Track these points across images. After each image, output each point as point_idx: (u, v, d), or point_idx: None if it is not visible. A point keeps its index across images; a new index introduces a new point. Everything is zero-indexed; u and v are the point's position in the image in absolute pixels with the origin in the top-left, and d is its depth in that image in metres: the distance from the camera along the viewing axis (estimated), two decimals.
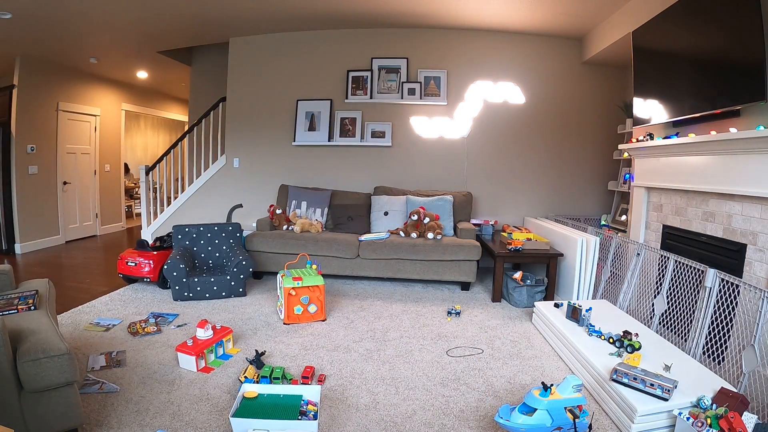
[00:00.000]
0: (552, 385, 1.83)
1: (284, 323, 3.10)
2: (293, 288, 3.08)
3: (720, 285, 2.38)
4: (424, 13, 4.35)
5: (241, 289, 3.68)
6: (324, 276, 3.43)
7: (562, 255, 3.72)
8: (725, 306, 2.33)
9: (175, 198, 5.39)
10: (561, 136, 4.85)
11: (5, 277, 2.30)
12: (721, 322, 2.32)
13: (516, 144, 4.88)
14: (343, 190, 4.80)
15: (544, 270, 3.87)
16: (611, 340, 2.48)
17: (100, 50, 5.21)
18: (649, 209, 3.51)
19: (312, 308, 3.14)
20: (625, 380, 1.99)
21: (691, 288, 2.58)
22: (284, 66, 5.05)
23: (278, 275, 3.31)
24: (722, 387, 1.95)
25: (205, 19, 4.47)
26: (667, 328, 2.76)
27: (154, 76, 6.65)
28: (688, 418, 1.73)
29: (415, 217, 4.18)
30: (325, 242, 4.01)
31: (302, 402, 1.94)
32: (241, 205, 4.65)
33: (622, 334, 2.47)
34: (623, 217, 4.27)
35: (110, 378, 2.27)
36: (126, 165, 8.37)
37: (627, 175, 4.23)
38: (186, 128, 6.35)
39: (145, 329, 2.90)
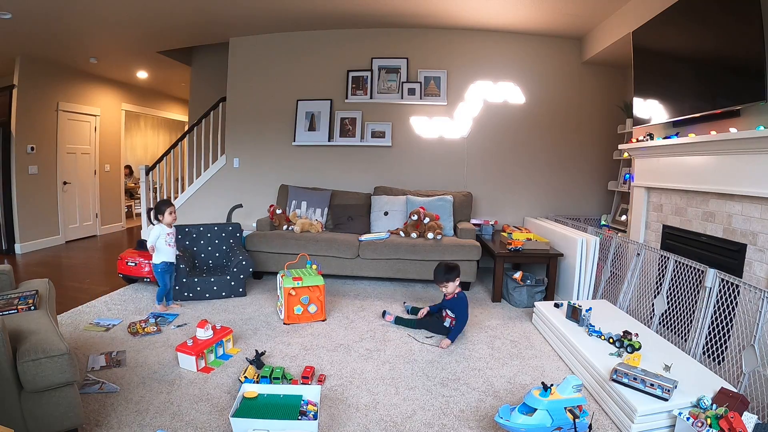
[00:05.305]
0: (552, 385, 1.83)
1: (284, 323, 3.10)
2: (293, 288, 3.08)
3: (720, 285, 2.38)
4: (424, 13, 4.35)
5: (241, 289, 3.67)
6: (324, 276, 3.42)
7: (562, 255, 3.72)
8: (725, 306, 2.33)
9: (175, 198, 5.39)
10: (561, 136, 4.85)
11: (5, 277, 2.30)
12: (721, 322, 2.32)
13: (516, 144, 4.88)
14: (343, 190, 4.80)
15: (544, 270, 3.87)
16: (611, 340, 2.48)
17: (100, 50, 5.21)
18: (649, 209, 3.51)
19: (312, 308, 3.14)
20: (625, 380, 1.99)
21: (691, 288, 2.58)
22: (284, 66, 5.05)
23: (278, 275, 3.31)
24: (722, 387, 1.95)
25: (205, 19, 4.47)
26: (667, 328, 2.76)
27: (154, 76, 6.65)
28: (688, 418, 1.73)
29: (415, 217, 4.18)
30: (325, 242, 4.01)
31: (302, 402, 1.94)
32: (241, 205, 4.65)
33: (622, 334, 2.47)
34: (623, 217, 4.27)
35: (110, 378, 2.27)
36: (130, 167, 8.38)
37: (627, 175, 4.23)
38: (186, 128, 6.35)
39: (145, 329, 2.90)
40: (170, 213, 3.29)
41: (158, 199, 5.34)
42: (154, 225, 3.33)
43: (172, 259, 3.34)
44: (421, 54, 4.87)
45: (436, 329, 2.97)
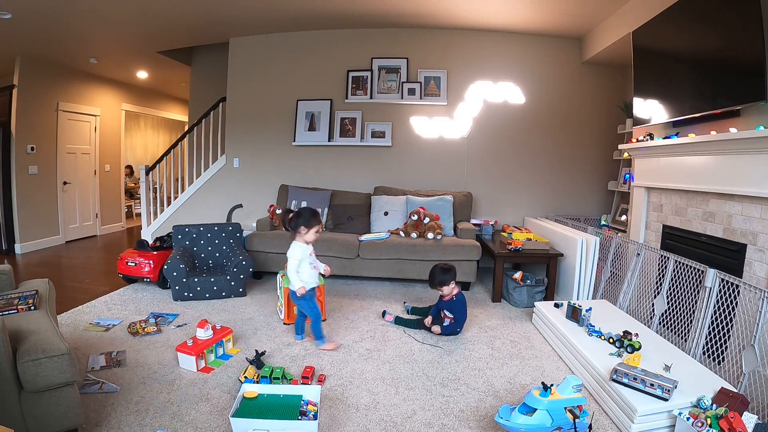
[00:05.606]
0: (552, 385, 1.83)
1: (284, 323, 3.10)
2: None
3: (720, 285, 2.38)
4: (424, 13, 4.35)
5: (241, 289, 3.67)
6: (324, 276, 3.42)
7: (562, 255, 3.72)
8: (725, 306, 2.33)
9: (175, 198, 5.39)
10: (561, 136, 4.85)
11: (5, 277, 2.30)
12: (721, 322, 2.32)
13: (516, 144, 4.88)
14: (343, 190, 4.80)
15: (544, 270, 3.87)
16: (611, 340, 2.48)
17: (100, 50, 5.21)
18: (649, 209, 3.51)
19: None
20: (625, 380, 1.99)
21: (691, 288, 2.58)
22: (284, 66, 5.05)
23: (278, 275, 3.31)
24: (722, 387, 1.95)
25: (205, 19, 4.47)
26: (667, 328, 2.76)
27: (154, 76, 6.65)
28: (688, 418, 1.73)
29: (415, 217, 4.17)
30: (325, 242, 4.01)
31: (302, 402, 1.94)
32: (241, 205, 4.65)
33: (622, 334, 2.47)
34: (623, 217, 4.27)
35: (110, 378, 2.27)
36: (130, 167, 8.38)
37: (627, 175, 4.23)
38: (186, 128, 6.35)
39: (145, 329, 2.90)
40: (316, 232, 2.69)
41: (158, 199, 5.39)
42: (289, 232, 2.76)
43: (315, 283, 2.77)
44: (421, 54, 4.87)
45: None
